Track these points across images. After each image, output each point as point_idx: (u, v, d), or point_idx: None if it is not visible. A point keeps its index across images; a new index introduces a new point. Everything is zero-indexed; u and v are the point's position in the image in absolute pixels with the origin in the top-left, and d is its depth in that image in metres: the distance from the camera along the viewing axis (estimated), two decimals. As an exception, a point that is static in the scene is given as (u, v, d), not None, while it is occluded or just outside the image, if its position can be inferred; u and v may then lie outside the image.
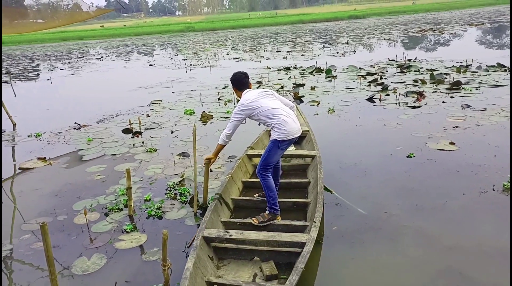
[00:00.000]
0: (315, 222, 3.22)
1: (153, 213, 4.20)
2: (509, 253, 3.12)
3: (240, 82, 3.84)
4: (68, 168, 5.79)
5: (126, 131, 7.37)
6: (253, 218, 3.62)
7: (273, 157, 3.67)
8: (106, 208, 4.39)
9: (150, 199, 4.52)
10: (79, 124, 8.04)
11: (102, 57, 25.60)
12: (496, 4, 60.94)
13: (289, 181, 4.47)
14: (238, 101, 3.95)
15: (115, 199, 4.59)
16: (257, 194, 4.16)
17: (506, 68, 10.75)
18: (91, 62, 22.56)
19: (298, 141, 5.59)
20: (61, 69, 19.92)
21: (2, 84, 15.31)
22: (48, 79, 16.41)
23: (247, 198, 4.18)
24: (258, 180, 3.92)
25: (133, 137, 7.06)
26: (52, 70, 19.76)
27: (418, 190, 4.33)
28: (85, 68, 20.03)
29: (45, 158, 6.13)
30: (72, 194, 4.84)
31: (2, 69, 21.04)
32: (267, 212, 3.65)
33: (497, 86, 8.90)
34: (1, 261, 3.34)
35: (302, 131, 5.37)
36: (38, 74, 18.79)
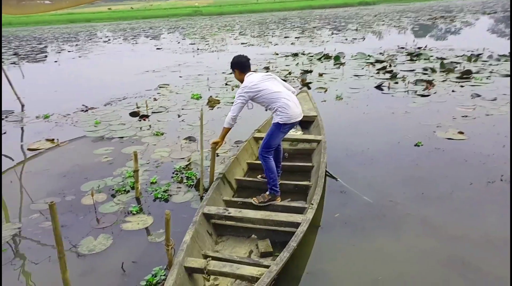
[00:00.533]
0: (312, 204, 3.32)
1: (159, 196, 4.23)
2: (515, 243, 3.12)
3: (243, 64, 3.85)
4: (75, 150, 5.83)
5: (133, 114, 7.39)
6: (253, 198, 3.75)
7: (275, 140, 3.77)
8: (113, 189, 4.44)
9: (156, 182, 4.55)
10: (86, 107, 8.07)
11: (109, 40, 25.52)
12: (510, -8, 59.56)
13: (293, 165, 4.55)
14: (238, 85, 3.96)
15: (122, 181, 4.62)
16: (259, 176, 4.27)
17: (518, 57, 10.57)
18: (98, 45, 22.50)
19: (306, 126, 5.62)
20: (68, 51, 19.89)
21: (11, 65, 15.36)
22: (56, 61, 16.41)
23: (250, 179, 4.30)
24: None
25: (140, 121, 7.07)
26: (59, 52, 19.73)
27: (425, 179, 4.31)
28: (92, 50, 19.98)
29: (53, 139, 6.17)
30: (79, 175, 4.89)
31: (11, 50, 21.06)
32: (267, 193, 3.77)
33: (508, 75, 8.75)
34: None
35: (311, 116, 5.36)
36: (46, 56, 18.78)
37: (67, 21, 50.63)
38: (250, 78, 3.76)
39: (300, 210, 3.49)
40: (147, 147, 5.73)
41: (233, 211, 3.33)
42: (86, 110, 7.88)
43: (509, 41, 15.01)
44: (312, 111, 5.71)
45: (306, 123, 5.55)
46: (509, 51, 11.28)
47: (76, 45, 23.12)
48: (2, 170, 5.17)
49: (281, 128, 3.70)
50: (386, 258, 3.12)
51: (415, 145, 5.23)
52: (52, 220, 2.44)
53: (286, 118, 3.64)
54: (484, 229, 3.37)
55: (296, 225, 3.07)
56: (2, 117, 7.63)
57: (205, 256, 2.93)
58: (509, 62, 10.21)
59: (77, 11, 57.62)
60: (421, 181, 4.28)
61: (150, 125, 6.75)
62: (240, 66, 3.85)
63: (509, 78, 8.56)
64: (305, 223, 3.04)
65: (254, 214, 3.29)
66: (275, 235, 3.27)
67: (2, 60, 14.89)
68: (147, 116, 7.24)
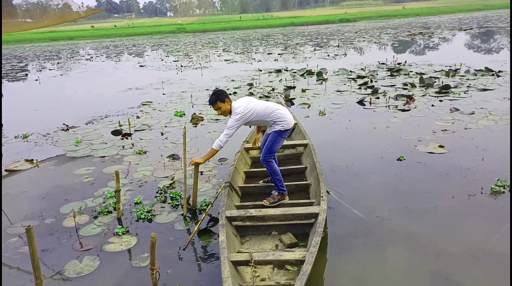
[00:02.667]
0: (322, 196, 3.62)
1: (142, 216, 4.15)
2: (496, 256, 3.15)
3: (224, 93, 3.89)
4: (55, 170, 5.71)
5: (116, 132, 7.30)
6: (264, 200, 3.97)
7: (277, 146, 4.05)
8: (95, 211, 4.34)
9: (140, 202, 4.47)
10: (67, 125, 7.94)
11: (92, 57, 25.38)
12: (484, 9, 61.97)
13: (287, 168, 4.80)
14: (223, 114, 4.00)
15: (104, 202, 4.53)
16: (261, 181, 4.53)
17: (494, 72, 10.91)
18: (80, 63, 22.34)
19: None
20: (50, 70, 19.68)
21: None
22: (37, 80, 16.19)
23: (253, 184, 4.53)
24: (258, 169, 4.78)
25: (123, 139, 6.99)
26: (40, 71, 19.51)
27: (409, 194, 4.35)
28: (74, 68, 19.82)
29: (32, 159, 6.04)
30: (59, 196, 4.77)
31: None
32: (276, 193, 4.03)
33: (485, 90, 9.01)
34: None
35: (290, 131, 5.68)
36: (27, 74, 18.54)
37: (49, 39, 50.26)
38: (238, 103, 3.87)
39: (309, 205, 3.77)
40: (129, 166, 5.65)
41: (254, 212, 3.56)
42: (67, 129, 7.76)
43: (485, 56, 15.53)
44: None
45: None
46: (485, 66, 11.64)
47: (58, 63, 22.92)
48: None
49: (282, 134, 4.01)
50: (371, 278, 3.10)
51: (398, 160, 5.29)
52: (29, 245, 2.36)
53: (287, 125, 3.97)
54: (466, 242, 3.40)
55: (315, 215, 3.40)
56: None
57: (240, 253, 3.12)
58: (485, 77, 10.53)
59: (59, 29, 57.34)
60: (405, 195, 4.32)
61: (132, 144, 6.68)
62: (223, 96, 3.85)
63: (485, 92, 8.81)
64: (322, 212, 3.35)
65: (273, 211, 3.56)
66: (294, 229, 3.55)
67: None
68: (129, 134, 7.17)
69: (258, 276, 2.99)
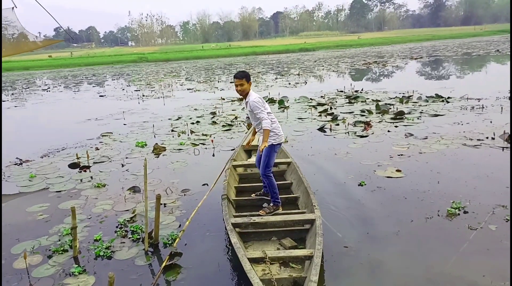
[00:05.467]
0: (315, 205, 4.05)
1: (101, 253, 3.97)
2: (454, 279, 3.25)
3: (250, 77, 4.30)
4: (7, 208, 5.37)
5: (73, 165, 7.03)
6: (260, 211, 4.30)
7: (272, 160, 4.40)
8: (49, 250, 4.10)
9: (100, 238, 4.27)
10: (21, 160, 7.56)
11: (49, 88, 24.60)
12: (432, 39, 66.33)
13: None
14: (240, 99, 4.17)
15: (59, 240, 4.30)
16: (254, 194, 4.91)
17: (444, 98, 11.59)
18: (37, 93, 21.59)
19: None
20: (3, 101, 18.85)
21: None
22: (-12, 111, 15.43)
23: (246, 198, 4.90)
24: (246, 185, 5.33)
25: (80, 172, 6.73)
26: (-7, 102, 18.63)
27: (371, 219, 4.43)
28: (30, 99, 19.12)
29: (-19, 197, 5.66)
30: (10, 236, 4.47)
31: None
32: (271, 204, 4.41)
33: (436, 115, 9.53)
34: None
35: (279, 147, 5.92)
36: (-23, 106, 17.63)
37: (3, 70, 48.37)
38: (254, 95, 4.29)
39: (302, 213, 4.17)
40: (87, 201, 5.42)
41: (257, 218, 3.98)
42: (20, 164, 7.39)
43: (435, 82, 16.51)
44: None
45: None
46: (435, 93, 12.36)
47: (12, 94, 22.03)
48: None
49: (274, 148, 4.38)
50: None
51: (359, 185, 5.42)
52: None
53: (278, 139, 4.39)
54: (425, 267, 3.49)
55: (311, 221, 3.84)
56: None
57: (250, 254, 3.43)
58: (436, 103, 11.16)
59: (14, 59, 55.39)
60: (368, 221, 4.39)
61: (91, 177, 6.44)
62: (250, 77, 4.29)
63: (437, 117, 9.32)
64: (318, 218, 3.79)
65: (274, 218, 4.00)
66: (291, 234, 3.95)
67: None
68: (88, 167, 6.92)
69: (269, 272, 3.25)
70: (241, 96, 4.39)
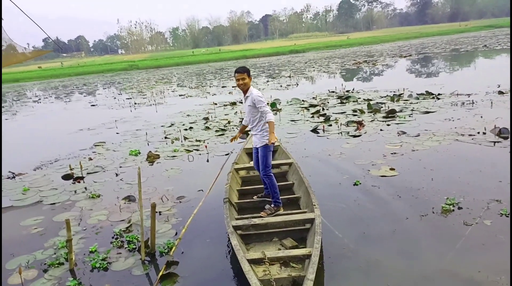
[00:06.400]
0: (315, 205, 4.08)
1: (97, 265, 3.93)
2: (450, 277, 3.27)
3: (250, 72, 4.39)
4: None
5: (66, 177, 6.97)
6: (261, 212, 4.32)
7: (269, 159, 4.45)
8: (44, 263, 4.06)
9: (96, 250, 4.24)
10: (13, 173, 7.49)
11: (39, 99, 24.44)
12: (420, 37, 66.96)
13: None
14: (240, 101, 4.10)
15: (55, 253, 4.26)
16: (255, 196, 4.96)
17: (434, 95, 11.68)
18: (27, 105, 21.43)
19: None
20: (-7, 114, 18.67)
21: None
22: (-22, 125, 15.29)
23: (248, 200, 4.93)
24: (249, 187, 5.31)
25: (74, 183, 6.68)
26: (-17, 115, 18.45)
27: (367, 218, 4.45)
28: (21, 111, 18.98)
29: (-27, 213, 5.60)
30: (4, 251, 4.41)
31: None
32: (272, 205, 4.44)
33: (427, 112, 9.60)
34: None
35: (274, 146, 5.95)
36: (-33, 120, 17.45)
37: (-8, 82, 47.90)
38: (256, 90, 4.43)
39: (303, 213, 4.17)
40: (82, 212, 5.38)
41: (257, 220, 4.00)
42: (13, 177, 7.31)
43: (425, 79, 16.63)
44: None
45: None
46: (425, 90, 12.46)
47: (3, 107, 21.84)
48: None
49: (269, 148, 4.42)
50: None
51: (354, 185, 5.44)
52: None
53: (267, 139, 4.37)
54: (421, 265, 3.51)
55: (311, 220, 3.87)
56: None
57: (250, 255, 3.45)
58: (427, 100, 11.25)
59: (4, 71, 54.92)
60: (364, 220, 4.41)
61: (85, 188, 6.39)
62: (250, 73, 4.38)
63: (428, 114, 9.39)
64: (317, 217, 3.82)
65: (274, 219, 4.02)
66: (292, 234, 3.98)
67: None
68: (81, 178, 6.87)
69: (269, 273, 3.27)
70: (242, 91, 4.49)
